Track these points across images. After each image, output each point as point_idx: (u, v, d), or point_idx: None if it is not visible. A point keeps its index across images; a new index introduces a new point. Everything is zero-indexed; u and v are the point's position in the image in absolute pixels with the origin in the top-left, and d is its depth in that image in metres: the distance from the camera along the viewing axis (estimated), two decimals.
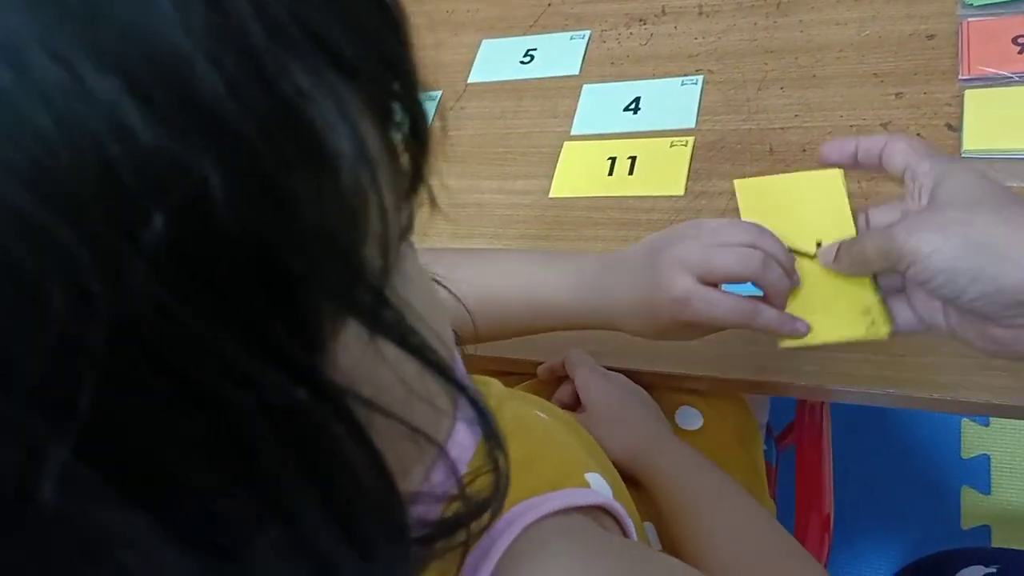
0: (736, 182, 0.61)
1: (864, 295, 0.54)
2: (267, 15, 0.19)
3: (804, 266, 0.55)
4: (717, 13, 0.91)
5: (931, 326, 0.52)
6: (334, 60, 0.21)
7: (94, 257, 0.17)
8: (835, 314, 0.54)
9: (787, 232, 0.56)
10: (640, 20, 0.94)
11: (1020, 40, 0.75)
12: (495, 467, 0.32)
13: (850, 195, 0.57)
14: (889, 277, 0.53)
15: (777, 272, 0.52)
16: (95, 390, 0.18)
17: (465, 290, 0.39)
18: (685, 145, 0.82)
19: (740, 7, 0.90)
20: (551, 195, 0.84)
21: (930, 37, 0.80)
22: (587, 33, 0.96)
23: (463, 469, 0.34)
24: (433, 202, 0.28)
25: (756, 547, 0.55)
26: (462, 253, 0.70)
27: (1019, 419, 0.62)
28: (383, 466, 0.25)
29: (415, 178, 0.26)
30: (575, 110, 0.90)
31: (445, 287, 0.37)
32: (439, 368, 0.28)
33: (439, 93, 0.98)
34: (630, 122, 0.86)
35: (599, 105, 0.89)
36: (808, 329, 0.53)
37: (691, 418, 0.73)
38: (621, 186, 0.82)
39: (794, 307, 0.54)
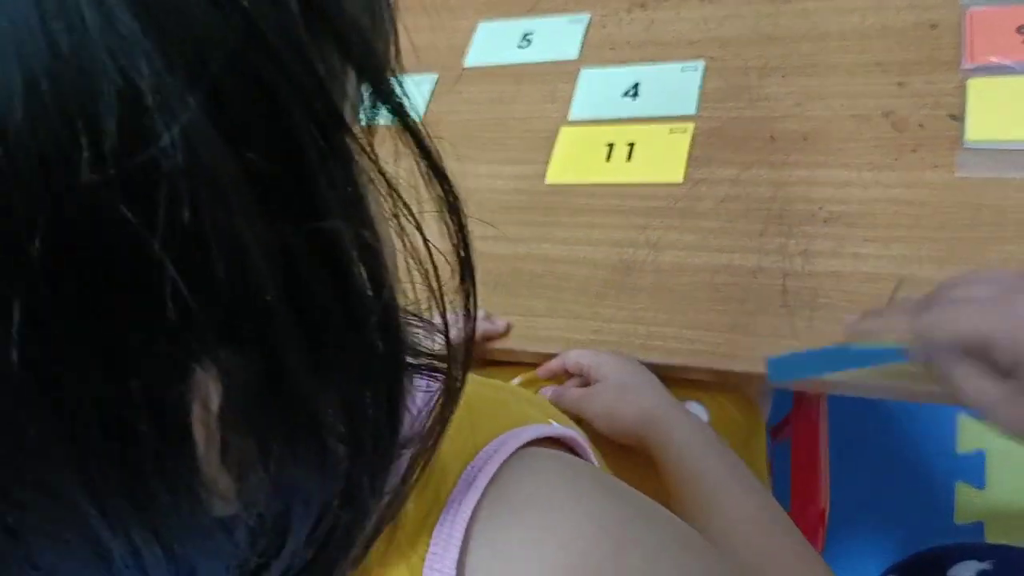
0: None
1: None
2: None
3: None
4: None
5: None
6: None
7: None
8: None
9: None
10: (641, 5, 0.93)
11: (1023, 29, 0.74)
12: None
13: None
14: None
15: None
16: None
17: None
18: (685, 132, 0.80)
19: None
20: (547, 181, 0.83)
21: (933, 26, 0.79)
22: (586, 17, 0.94)
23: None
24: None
25: (764, 540, 0.54)
26: None
27: None
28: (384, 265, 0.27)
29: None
30: (573, 95, 0.88)
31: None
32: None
33: (435, 76, 0.97)
34: (629, 108, 0.85)
35: (597, 90, 0.88)
36: None
37: (696, 414, 0.72)
38: (619, 172, 0.81)
39: None
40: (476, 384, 0.43)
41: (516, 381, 0.76)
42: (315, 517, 0.28)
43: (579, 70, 0.90)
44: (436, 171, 0.30)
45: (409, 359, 0.29)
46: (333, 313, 0.25)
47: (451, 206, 0.31)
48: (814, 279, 0.68)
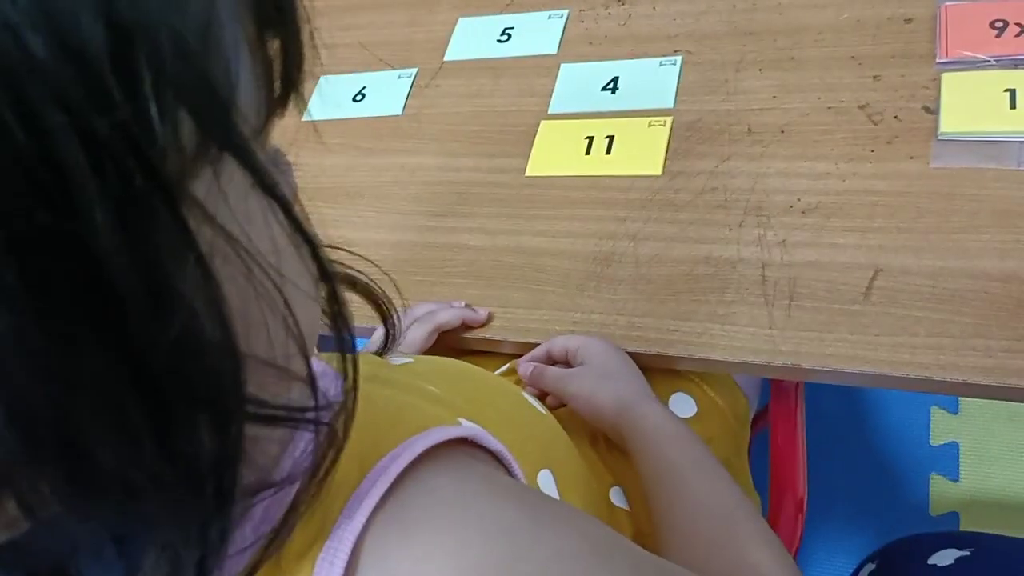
0: None
1: None
2: None
3: None
4: None
5: None
6: None
7: None
8: None
9: None
10: (618, 0, 0.93)
11: (997, 24, 0.75)
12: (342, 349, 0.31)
13: None
14: None
15: None
16: None
17: None
18: (663, 125, 0.81)
19: None
20: (527, 173, 0.83)
21: (908, 20, 0.80)
22: (565, 12, 0.95)
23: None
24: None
25: (722, 526, 0.54)
26: None
27: (992, 399, 0.62)
28: (222, 311, 0.24)
29: (280, 99, 0.27)
30: (552, 89, 0.89)
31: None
32: (302, 230, 0.27)
33: (415, 70, 0.97)
34: (608, 101, 0.85)
35: (576, 84, 0.88)
36: None
37: (684, 405, 0.72)
38: (598, 165, 0.81)
39: None
40: (378, 387, 0.42)
41: (500, 371, 0.76)
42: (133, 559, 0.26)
43: (558, 65, 0.90)
44: (304, 239, 0.28)
45: (257, 410, 0.27)
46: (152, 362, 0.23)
47: (323, 273, 0.29)
48: (792, 269, 0.69)
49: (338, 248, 0.34)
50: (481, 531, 0.33)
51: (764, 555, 0.52)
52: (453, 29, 0.99)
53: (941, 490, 1.22)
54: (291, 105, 0.28)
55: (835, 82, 0.78)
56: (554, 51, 0.92)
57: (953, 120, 0.72)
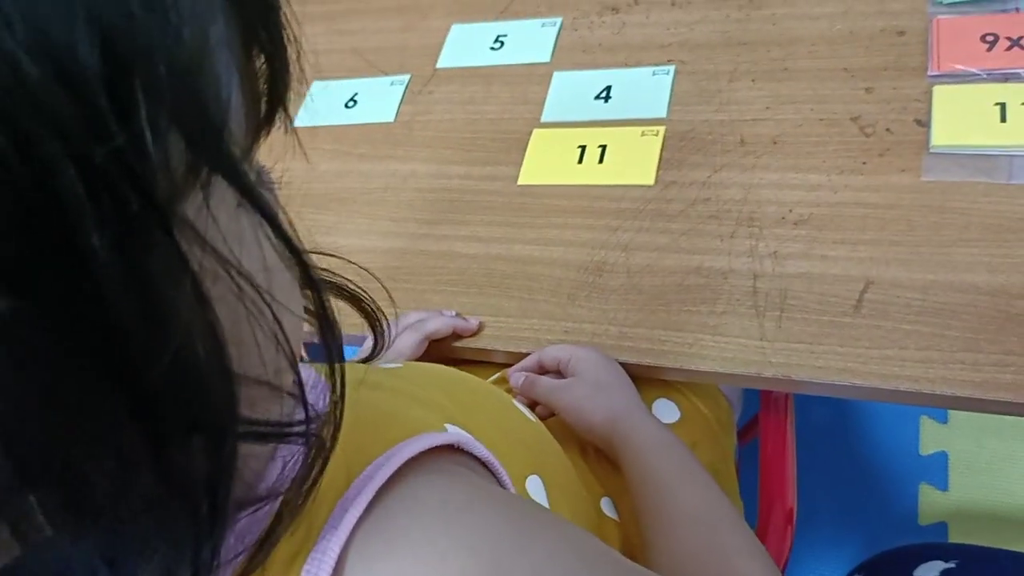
0: None
1: None
2: None
3: None
4: (689, 4, 0.91)
5: None
6: None
7: None
8: None
9: None
10: (612, 9, 0.94)
11: (989, 38, 0.76)
12: (332, 372, 0.31)
13: None
14: None
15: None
16: None
17: None
18: (656, 135, 0.81)
19: None
20: (520, 182, 0.83)
21: (900, 33, 0.80)
22: (558, 20, 0.95)
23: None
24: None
25: (709, 537, 0.54)
26: None
27: (981, 412, 0.62)
28: (215, 331, 0.24)
29: (267, 117, 0.27)
30: (545, 97, 0.89)
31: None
32: (290, 244, 0.27)
33: (407, 77, 0.96)
34: (601, 110, 0.85)
35: (570, 93, 0.88)
36: None
37: (668, 411, 0.72)
38: (591, 175, 0.81)
39: None
40: (366, 391, 0.42)
41: (491, 380, 0.75)
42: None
43: (551, 73, 0.90)
44: (293, 252, 0.28)
45: (249, 429, 0.28)
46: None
47: (310, 283, 0.30)
48: (784, 281, 0.69)
49: (328, 255, 0.35)
50: (465, 541, 0.33)
51: (751, 568, 0.52)
52: (446, 36, 0.99)
53: (930, 500, 1.22)
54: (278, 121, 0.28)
55: (828, 93, 0.79)
56: (547, 59, 0.92)
57: (944, 133, 0.72)
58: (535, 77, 0.91)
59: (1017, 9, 0.77)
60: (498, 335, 0.74)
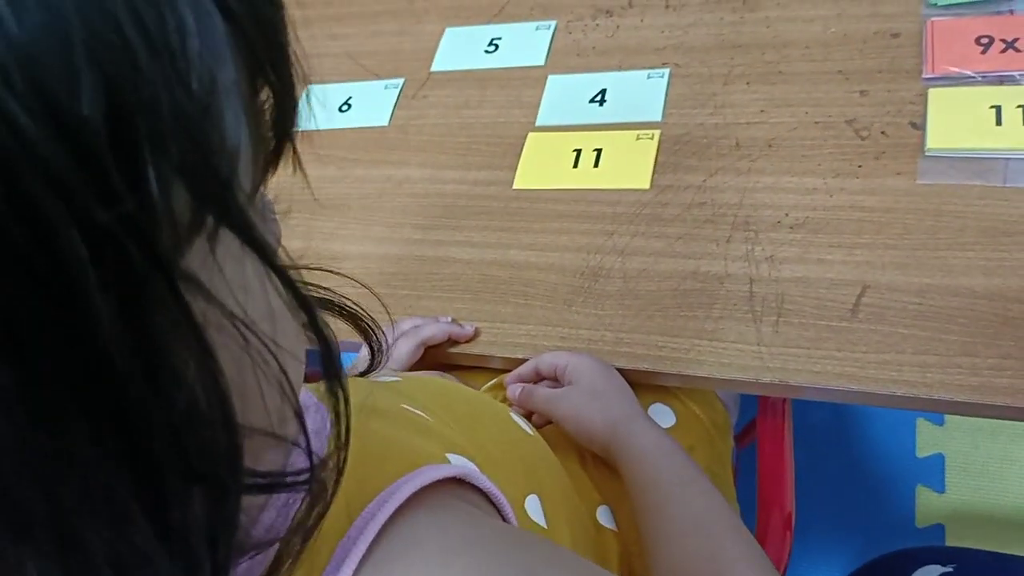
0: None
1: None
2: None
3: None
4: (684, 7, 0.90)
5: None
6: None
7: None
8: None
9: None
10: (607, 12, 0.93)
11: (983, 40, 0.76)
12: (336, 413, 0.31)
13: None
14: None
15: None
16: None
17: None
18: (651, 138, 0.81)
19: (707, 1, 0.90)
20: (515, 186, 0.83)
21: (895, 36, 0.80)
22: (553, 23, 0.95)
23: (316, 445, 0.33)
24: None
25: (710, 544, 0.54)
26: None
27: (979, 416, 0.62)
28: (220, 384, 0.24)
29: (273, 154, 0.26)
30: (540, 101, 0.88)
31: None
32: (290, 283, 0.27)
33: (401, 81, 0.96)
34: (596, 114, 0.85)
35: (564, 96, 0.88)
36: None
37: (663, 416, 0.72)
38: (586, 178, 0.81)
39: None
40: (365, 419, 0.41)
41: (486, 387, 0.75)
42: None
43: (546, 76, 0.90)
44: (301, 304, 0.28)
45: (253, 480, 0.27)
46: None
47: (316, 333, 0.29)
48: (780, 285, 0.69)
49: (319, 270, 0.34)
50: None
51: (747, 573, 0.52)
52: (440, 40, 0.99)
53: (927, 502, 1.22)
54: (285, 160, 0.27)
55: (822, 96, 0.78)
56: (542, 62, 0.92)
57: (940, 136, 0.72)
58: (530, 80, 0.91)
59: (1011, 11, 0.77)
60: (494, 341, 0.74)
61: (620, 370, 0.69)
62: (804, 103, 0.79)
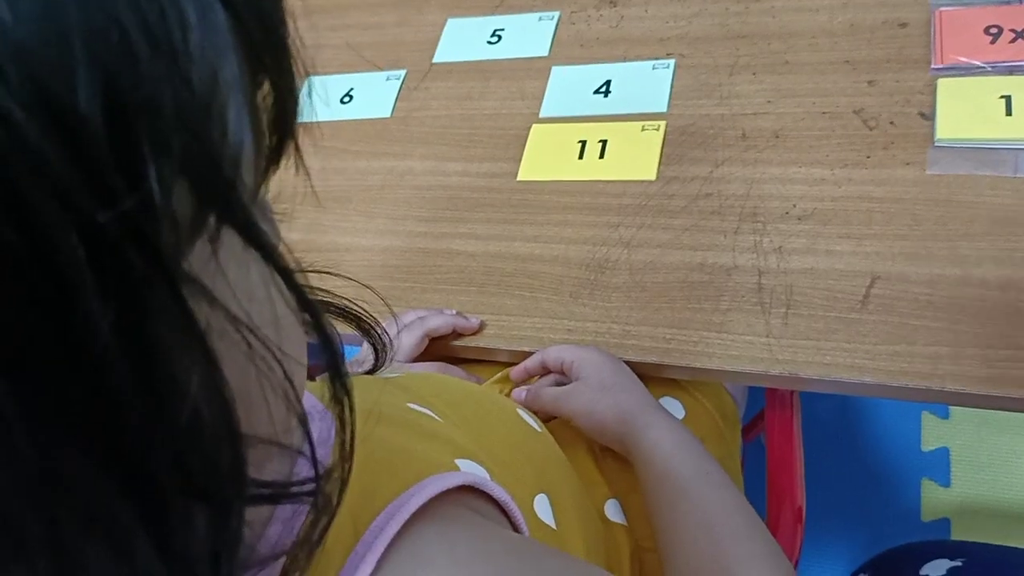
0: None
1: None
2: None
3: None
4: None
5: None
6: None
7: None
8: None
9: None
10: (610, 2, 0.92)
11: (992, 30, 0.75)
12: (342, 422, 0.30)
13: None
14: None
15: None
16: None
17: None
18: (657, 129, 0.80)
19: None
20: (519, 178, 0.82)
21: (902, 25, 0.79)
22: (556, 14, 0.94)
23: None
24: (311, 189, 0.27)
25: (722, 540, 0.53)
26: None
27: (991, 409, 0.61)
28: (224, 394, 0.23)
29: (275, 151, 0.25)
30: (544, 92, 0.87)
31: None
32: (293, 285, 0.26)
33: (403, 72, 0.95)
34: (601, 105, 0.84)
35: (569, 87, 0.87)
36: None
37: (672, 409, 0.71)
38: (591, 170, 0.80)
39: None
40: (372, 425, 0.41)
41: (492, 381, 0.74)
42: None
43: (550, 67, 0.89)
44: (307, 308, 0.27)
45: (257, 492, 0.27)
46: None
47: (322, 337, 0.28)
48: (789, 277, 0.68)
49: (318, 272, 0.33)
50: None
51: (759, 573, 0.51)
52: (442, 30, 0.98)
53: (932, 496, 1.21)
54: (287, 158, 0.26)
55: (830, 87, 0.78)
56: (545, 53, 0.91)
57: (949, 127, 0.71)
58: (533, 72, 0.90)
59: (1021, 1, 0.76)
60: (500, 334, 0.73)
61: (627, 363, 0.68)
62: (811, 93, 0.78)
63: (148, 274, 0.19)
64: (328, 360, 0.29)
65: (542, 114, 0.86)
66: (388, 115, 0.92)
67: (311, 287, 0.28)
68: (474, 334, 0.74)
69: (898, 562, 0.77)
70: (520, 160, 0.83)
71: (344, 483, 0.30)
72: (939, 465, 1.24)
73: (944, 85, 0.74)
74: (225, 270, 0.23)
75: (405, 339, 0.71)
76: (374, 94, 0.94)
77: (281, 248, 0.26)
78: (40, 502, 0.20)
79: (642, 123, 0.81)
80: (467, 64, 0.94)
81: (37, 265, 0.18)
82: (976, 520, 1.18)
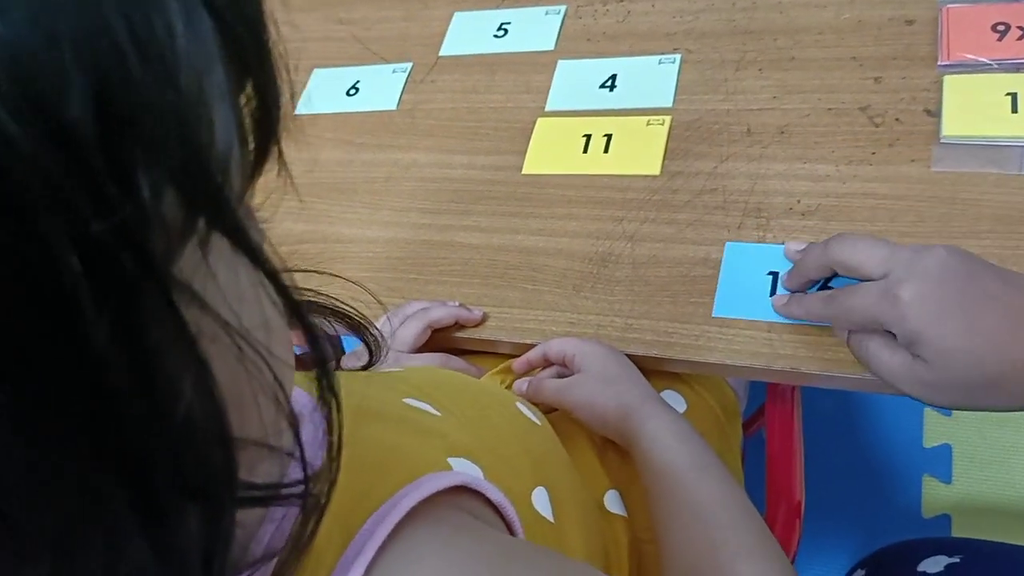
0: None
1: None
2: None
3: None
4: None
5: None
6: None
7: None
8: None
9: None
10: None
11: (999, 27, 0.75)
12: (329, 425, 0.30)
13: None
14: None
15: None
16: None
17: None
18: (662, 124, 0.80)
19: None
20: (524, 171, 0.82)
21: (909, 22, 0.79)
22: (562, 8, 0.94)
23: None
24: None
25: (717, 533, 0.54)
26: None
27: None
28: (215, 396, 0.23)
29: (259, 155, 0.25)
30: (549, 86, 0.88)
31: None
32: (280, 285, 0.26)
33: (409, 65, 0.95)
34: (606, 99, 0.84)
35: (574, 81, 0.87)
36: None
37: (674, 403, 0.72)
38: (596, 164, 0.80)
39: None
40: (364, 424, 0.41)
41: (493, 372, 0.75)
42: None
43: (556, 61, 0.89)
44: (295, 312, 0.27)
45: (248, 494, 0.27)
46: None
47: (309, 339, 0.28)
48: None
49: (307, 272, 0.33)
50: None
51: (754, 569, 0.51)
52: (448, 24, 0.98)
53: (934, 492, 1.22)
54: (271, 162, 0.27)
55: (836, 83, 0.78)
56: (551, 47, 0.91)
57: (955, 124, 0.71)
58: (539, 65, 0.90)
59: None
60: (502, 326, 0.74)
61: (629, 356, 0.68)
62: (817, 90, 0.78)
63: (140, 279, 0.20)
64: (315, 362, 0.29)
65: (548, 108, 0.86)
66: (394, 108, 0.93)
67: (300, 288, 0.28)
68: (477, 326, 0.74)
69: (896, 558, 0.77)
70: (525, 153, 0.83)
71: (332, 484, 0.30)
72: (941, 462, 1.24)
73: (950, 82, 0.74)
74: (215, 274, 0.23)
75: (407, 330, 0.72)
76: (380, 87, 0.95)
77: (268, 251, 0.26)
78: (38, 499, 0.21)
79: (647, 118, 0.81)
80: (473, 57, 0.94)
81: (31, 272, 0.18)
82: (977, 517, 1.18)
